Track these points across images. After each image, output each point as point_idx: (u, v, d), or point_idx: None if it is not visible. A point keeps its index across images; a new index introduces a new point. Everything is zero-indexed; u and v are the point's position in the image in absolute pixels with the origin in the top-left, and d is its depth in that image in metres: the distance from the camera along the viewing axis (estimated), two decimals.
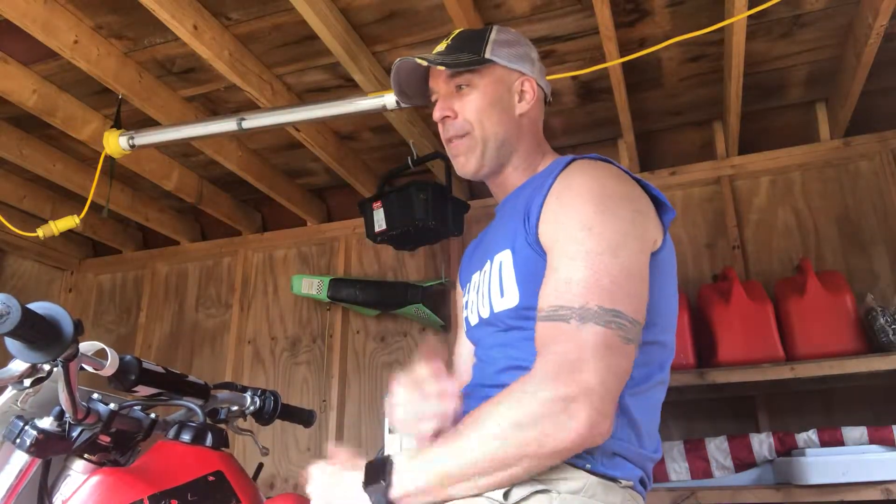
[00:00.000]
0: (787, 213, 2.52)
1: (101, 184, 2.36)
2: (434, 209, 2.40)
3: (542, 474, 0.92)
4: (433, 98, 1.25)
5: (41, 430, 0.85)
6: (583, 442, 0.85)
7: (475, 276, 1.20)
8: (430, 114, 2.76)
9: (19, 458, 0.86)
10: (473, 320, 1.19)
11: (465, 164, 1.19)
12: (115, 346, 0.95)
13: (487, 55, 1.18)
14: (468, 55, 1.18)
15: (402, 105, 1.90)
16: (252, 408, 1.21)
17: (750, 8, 1.72)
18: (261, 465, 1.19)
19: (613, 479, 0.94)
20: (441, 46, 1.24)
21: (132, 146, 2.20)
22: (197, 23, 1.88)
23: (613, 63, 1.98)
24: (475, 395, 1.10)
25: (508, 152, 1.19)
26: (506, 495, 0.91)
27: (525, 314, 1.03)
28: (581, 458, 0.93)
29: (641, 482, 1.01)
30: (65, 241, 3.36)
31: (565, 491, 0.91)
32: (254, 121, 2.07)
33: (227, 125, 2.08)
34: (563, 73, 2.15)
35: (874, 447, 1.91)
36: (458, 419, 0.99)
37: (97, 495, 0.84)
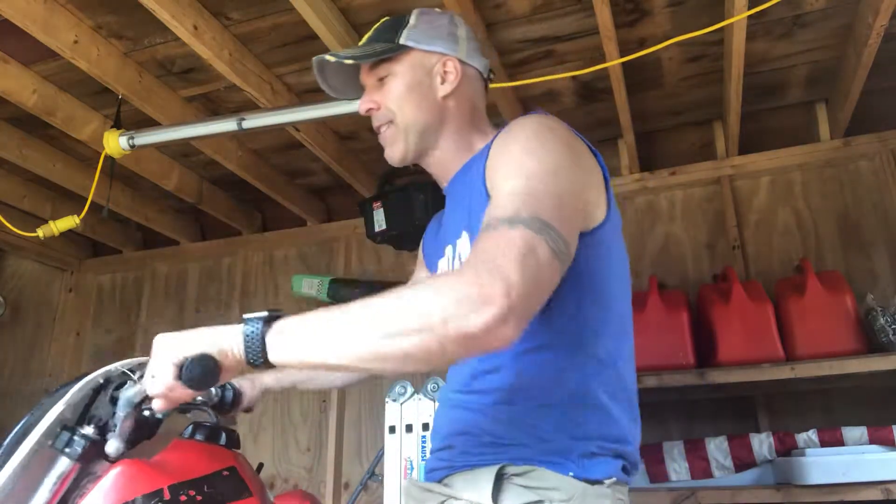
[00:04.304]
0: (787, 213, 2.52)
1: (101, 184, 2.36)
2: (434, 209, 2.39)
3: (530, 485, 0.92)
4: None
5: (88, 439, 0.91)
6: (490, 332, 0.76)
7: (441, 264, 1.20)
8: None
9: (63, 464, 0.90)
10: None
11: (392, 153, 1.22)
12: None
13: (402, 41, 1.16)
14: (382, 45, 1.17)
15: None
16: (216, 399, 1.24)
17: (750, 8, 1.72)
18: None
19: (598, 482, 0.94)
20: (364, 39, 1.23)
21: (132, 146, 2.20)
22: (197, 23, 1.88)
23: (613, 63, 1.98)
24: (451, 401, 1.10)
25: (434, 136, 1.18)
26: (495, 498, 0.92)
27: None
28: (562, 466, 0.93)
29: (624, 469, 0.99)
30: (65, 241, 3.35)
31: (557, 500, 0.91)
32: (254, 121, 2.07)
33: (227, 125, 2.08)
34: (563, 73, 2.15)
35: (874, 447, 1.91)
36: None
37: (119, 484, 0.89)
